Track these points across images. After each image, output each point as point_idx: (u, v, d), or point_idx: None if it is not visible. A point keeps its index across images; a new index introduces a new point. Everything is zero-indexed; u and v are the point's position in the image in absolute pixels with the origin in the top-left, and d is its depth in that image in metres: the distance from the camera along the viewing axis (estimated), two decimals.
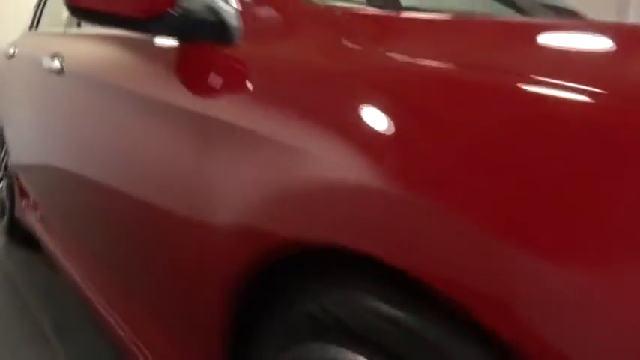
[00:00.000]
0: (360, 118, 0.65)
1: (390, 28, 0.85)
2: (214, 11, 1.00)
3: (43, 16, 2.47)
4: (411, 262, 0.55)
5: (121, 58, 1.28)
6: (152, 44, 1.16)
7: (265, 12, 0.96)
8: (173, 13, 1.00)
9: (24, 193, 2.29)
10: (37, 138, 1.86)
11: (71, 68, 1.52)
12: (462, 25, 0.77)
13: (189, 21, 1.01)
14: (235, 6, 0.98)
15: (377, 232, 0.57)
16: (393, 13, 0.95)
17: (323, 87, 0.71)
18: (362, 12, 0.92)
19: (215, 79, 0.92)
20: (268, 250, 0.71)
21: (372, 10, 0.93)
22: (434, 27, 0.80)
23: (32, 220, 2.12)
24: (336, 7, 0.92)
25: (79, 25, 1.75)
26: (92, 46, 1.46)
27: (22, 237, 2.48)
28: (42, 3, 2.49)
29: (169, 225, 1.01)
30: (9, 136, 2.43)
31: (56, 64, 1.60)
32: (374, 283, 0.64)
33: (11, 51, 2.43)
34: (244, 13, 0.96)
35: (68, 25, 1.86)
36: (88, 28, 1.68)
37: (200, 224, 0.87)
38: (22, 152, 2.18)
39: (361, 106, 0.66)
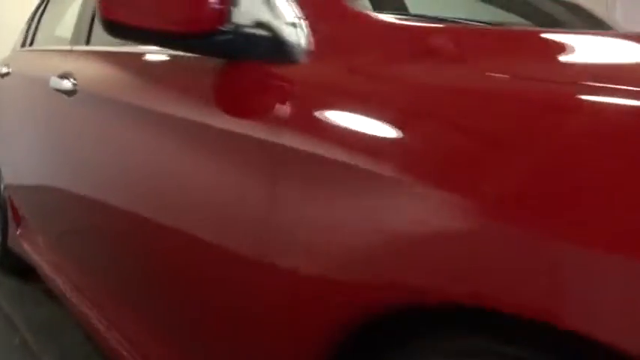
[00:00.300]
0: (493, 148, 0.56)
1: (471, 44, 0.77)
2: (271, 27, 0.91)
3: (38, 32, 2.34)
4: (590, 323, 0.46)
5: (150, 78, 1.18)
6: (190, 63, 1.06)
7: (331, 27, 0.88)
8: (224, 29, 0.91)
9: (19, 219, 2.15)
10: (40, 160, 1.73)
11: (86, 89, 1.41)
12: (542, 39, 0.71)
13: (243, 38, 0.92)
14: (297, 21, 0.89)
15: (550, 291, 0.48)
16: (468, 27, 0.88)
17: (442, 110, 0.62)
18: (434, 26, 0.84)
19: (283, 102, 0.83)
20: (378, 305, 0.61)
21: (440, 24, 0.85)
22: (517, 41, 0.74)
23: (30, 249, 1.98)
24: (402, 20, 0.85)
25: (87, 42, 1.64)
26: (111, 65, 1.36)
27: (12, 267, 2.33)
28: (37, 19, 2.37)
29: (221, 265, 0.91)
30: (2, 157, 2.29)
31: (67, 84, 1.49)
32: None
33: (4, 69, 2.30)
34: (310, 28, 0.87)
35: (75, 42, 1.75)
36: (101, 46, 1.58)
37: (273, 268, 0.77)
38: (19, 175, 2.04)
39: (487, 134, 0.58)
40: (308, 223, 0.72)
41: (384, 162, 0.65)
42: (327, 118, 0.75)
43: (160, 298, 1.15)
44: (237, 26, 0.91)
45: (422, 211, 0.59)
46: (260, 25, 0.93)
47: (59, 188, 1.58)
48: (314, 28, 0.87)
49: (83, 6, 1.76)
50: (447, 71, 0.69)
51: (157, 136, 1.09)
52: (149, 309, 1.21)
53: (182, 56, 1.07)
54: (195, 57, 1.03)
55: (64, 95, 1.52)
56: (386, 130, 0.66)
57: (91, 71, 1.44)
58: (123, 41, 1.29)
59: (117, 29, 0.95)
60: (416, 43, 0.77)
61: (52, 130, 1.61)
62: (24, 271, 2.32)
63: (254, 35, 0.92)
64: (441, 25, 0.84)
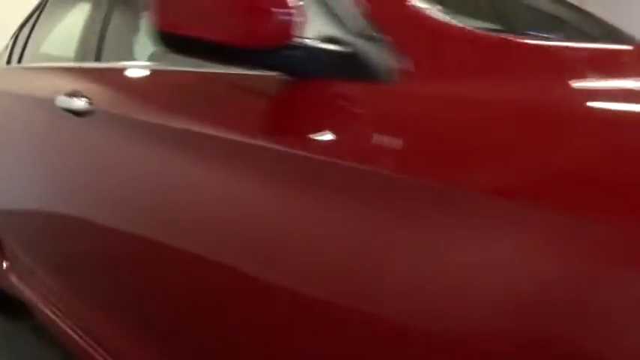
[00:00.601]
0: None
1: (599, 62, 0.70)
2: (344, 42, 0.81)
3: (26, 49, 2.18)
4: None
5: (192, 98, 1.06)
6: (240, 81, 0.95)
7: (423, 42, 0.78)
8: (292, 44, 0.80)
9: (5, 252, 1.96)
10: (40, 185, 1.57)
11: (106, 109, 1.27)
12: None
13: (312, 54, 0.82)
14: (376, 36, 0.79)
15: None
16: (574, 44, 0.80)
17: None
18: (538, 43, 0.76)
19: (376, 127, 0.72)
20: None
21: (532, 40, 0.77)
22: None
23: (21, 285, 1.80)
24: (504, 34, 0.76)
25: (97, 58, 1.51)
26: (138, 84, 1.23)
27: None
28: (25, 36, 2.21)
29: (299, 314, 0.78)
30: None
31: (79, 103, 1.35)
32: None
33: None
34: (397, 45, 0.77)
35: (80, 58, 1.61)
36: (115, 62, 1.45)
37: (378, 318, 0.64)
38: (9, 202, 1.87)
39: None
40: (436, 273, 0.61)
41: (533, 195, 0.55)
42: (443, 145, 0.65)
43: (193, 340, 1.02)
44: (306, 41, 0.81)
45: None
46: (331, 40, 0.83)
47: (67, 215, 1.42)
48: (402, 43, 0.77)
49: (90, 21, 1.62)
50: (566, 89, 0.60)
51: (201, 161, 0.97)
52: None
53: (228, 74, 0.96)
54: (243, 74, 0.92)
55: (73, 116, 1.37)
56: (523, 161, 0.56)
57: (112, 90, 1.31)
58: (156, 59, 1.17)
59: (173, 42, 0.84)
60: (527, 62, 0.69)
61: (57, 153, 1.46)
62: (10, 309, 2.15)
63: (324, 51, 0.82)
64: (542, 42, 0.76)
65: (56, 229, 1.47)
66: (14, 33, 2.43)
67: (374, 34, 0.80)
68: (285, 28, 0.79)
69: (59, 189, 1.46)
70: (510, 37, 0.75)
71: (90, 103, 1.32)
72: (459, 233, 0.59)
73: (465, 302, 0.57)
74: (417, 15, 0.81)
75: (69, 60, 1.74)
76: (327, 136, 0.79)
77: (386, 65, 0.76)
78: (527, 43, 0.73)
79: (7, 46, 2.46)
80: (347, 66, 0.80)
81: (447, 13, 0.81)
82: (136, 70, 1.25)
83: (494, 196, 0.59)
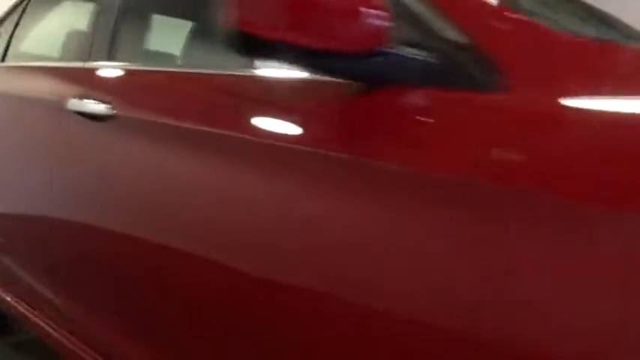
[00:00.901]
0: None
1: None
2: (436, 49, 0.78)
3: (10, 48, 2.06)
4: None
5: (243, 103, 1.01)
6: (304, 85, 0.91)
7: (526, 49, 0.76)
8: (383, 50, 0.77)
9: None
10: (43, 192, 1.47)
11: (131, 114, 1.20)
12: None
13: (403, 61, 0.79)
14: (470, 43, 0.77)
15: None
16: None
17: None
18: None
19: (483, 140, 0.70)
20: None
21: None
22: None
23: (6, 298, 1.68)
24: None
25: (109, 58, 1.42)
26: (171, 87, 1.16)
27: None
28: (11, 32, 2.08)
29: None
30: None
31: (98, 107, 1.27)
32: None
33: None
34: (497, 52, 0.75)
35: (85, 58, 1.52)
36: (138, 64, 1.37)
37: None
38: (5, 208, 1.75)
39: None
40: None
41: None
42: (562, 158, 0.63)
43: None
44: (396, 48, 0.78)
45: None
46: (417, 46, 0.80)
47: (77, 223, 1.34)
48: (500, 52, 0.75)
49: (97, 19, 1.53)
50: None
51: (262, 171, 0.92)
52: None
53: (287, 78, 0.93)
54: (309, 78, 0.88)
55: (88, 120, 1.29)
56: None
57: (138, 93, 1.24)
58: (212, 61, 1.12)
59: (253, 44, 0.79)
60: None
61: (69, 159, 1.37)
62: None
63: (415, 59, 0.79)
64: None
65: (66, 237, 1.38)
66: None
67: (467, 41, 0.77)
68: (377, 34, 0.76)
69: (70, 194, 1.37)
70: (612, 43, 0.74)
71: (110, 107, 1.24)
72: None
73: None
74: (514, 22, 0.79)
75: (65, 60, 1.65)
76: (421, 144, 0.75)
77: (483, 74, 0.74)
78: (634, 49, 0.72)
79: None
80: (439, 75, 0.77)
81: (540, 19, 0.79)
82: (167, 72, 1.19)
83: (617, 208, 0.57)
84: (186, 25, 1.58)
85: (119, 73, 1.35)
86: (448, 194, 0.69)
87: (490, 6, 0.85)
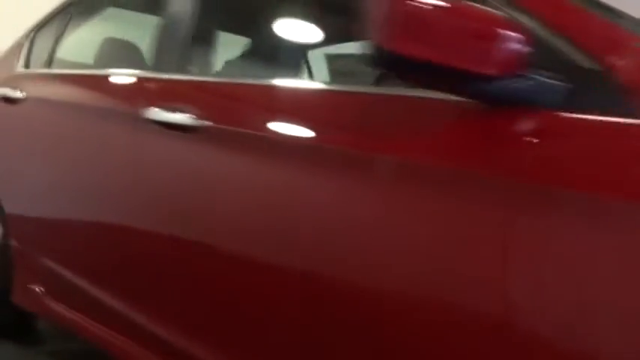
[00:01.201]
0: None
1: None
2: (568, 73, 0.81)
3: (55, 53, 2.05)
4: None
5: (354, 118, 1.03)
6: (413, 103, 0.93)
7: None
8: (523, 75, 0.80)
9: (33, 270, 1.81)
10: (111, 199, 1.47)
11: (224, 127, 1.20)
12: None
13: (538, 84, 0.81)
14: (600, 69, 0.79)
15: None
16: None
17: None
18: None
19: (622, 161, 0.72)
20: None
21: None
22: None
23: (59, 309, 1.66)
24: None
25: (179, 70, 1.42)
26: (272, 101, 1.18)
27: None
28: (55, 38, 2.06)
29: None
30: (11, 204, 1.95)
31: (183, 117, 1.26)
32: None
33: (11, 93, 1.97)
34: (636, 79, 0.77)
35: (150, 67, 1.52)
36: (229, 77, 1.38)
37: None
38: (52, 224, 1.73)
39: None
40: None
41: None
42: None
43: None
44: (534, 72, 0.80)
45: None
46: (552, 71, 0.82)
47: (156, 232, 1.34)
48: (631, 77, 0.78)
49: (163, 28, 1.53)
50: None
51: (377, 190, 0.94)
52: None
53: (402, 96, 0.95)
54: (428, 97, 0.90)
55: (172, 131, 1.28)
56: None
57: (231, 105, 1.24)
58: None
59: (398, 64, 0.81)
60: None
61: (146, 168, 1.37)
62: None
63: (550, 83, 0.81)
64: None
65: (149, 247, 1.37)
66: (26, 36, 2.27)
67: (599, 68, 0.80)
68: (518, 58, 0.79)
69: (148, 201, 1.36)
70: None
71: (196, 119, 1.24)
72: None
73: None
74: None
75: (126, 68, 1.64)
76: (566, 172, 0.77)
77: (615, 100, 0.76)
78: None
79: (13, 49, 2.30)
80: (569, 98, 0.80)
81: None
82: (272, 87, 1.20)
83: None
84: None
85: (201, 84, 1.35)
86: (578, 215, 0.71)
87: (620, 34, 0.87)
